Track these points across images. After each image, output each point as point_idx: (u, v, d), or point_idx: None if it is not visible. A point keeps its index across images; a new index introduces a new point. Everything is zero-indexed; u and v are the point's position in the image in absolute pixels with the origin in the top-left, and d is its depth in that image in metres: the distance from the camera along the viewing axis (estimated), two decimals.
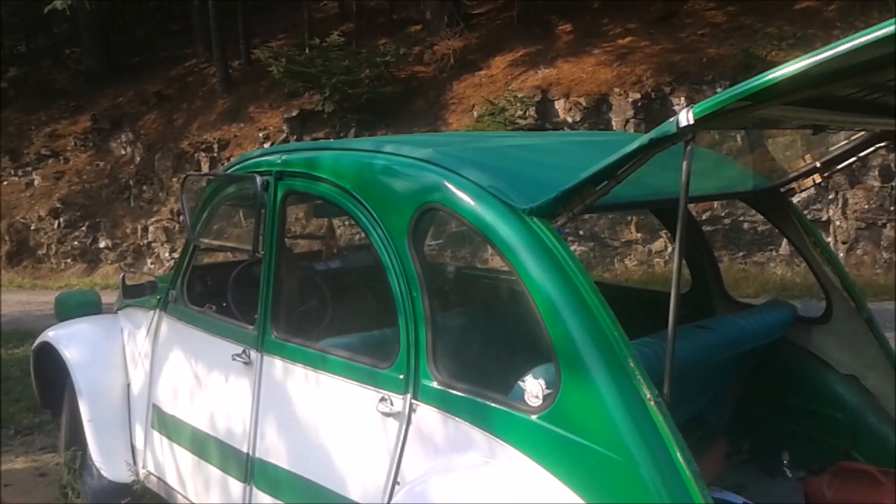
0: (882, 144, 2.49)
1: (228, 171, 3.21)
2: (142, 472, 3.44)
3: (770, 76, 1.55)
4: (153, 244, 13.13)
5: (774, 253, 9.69)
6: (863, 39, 1.38)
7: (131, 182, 13.80)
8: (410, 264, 2.31)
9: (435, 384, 2.23)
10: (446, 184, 2.27)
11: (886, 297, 8.60)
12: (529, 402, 2.01)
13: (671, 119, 1.76)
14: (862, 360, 2.64)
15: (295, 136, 12.34)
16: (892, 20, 1.34)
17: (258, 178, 2.82)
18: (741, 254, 9.85)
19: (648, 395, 1.84)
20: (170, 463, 3.23)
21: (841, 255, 9.35)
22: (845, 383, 2.68)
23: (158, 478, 3.34)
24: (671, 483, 1.78)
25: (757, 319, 2.63)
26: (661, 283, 8.45)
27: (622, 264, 9.89)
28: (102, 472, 3.50)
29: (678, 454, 1.79)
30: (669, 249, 9.78)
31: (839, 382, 2.69)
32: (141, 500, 3.39)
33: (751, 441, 2.88)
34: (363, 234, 2.58)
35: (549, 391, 1.98)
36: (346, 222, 6.71)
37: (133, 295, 3.75)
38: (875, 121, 2.23)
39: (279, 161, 2.84)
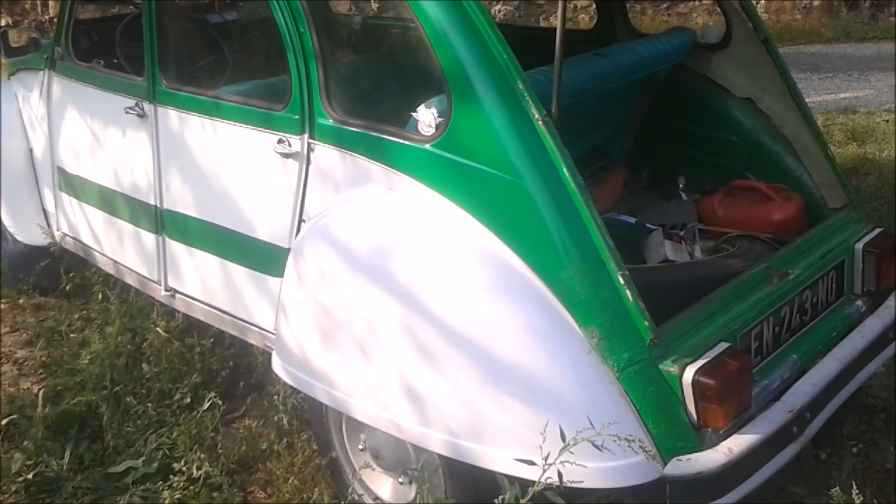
0: None
1: None
2: (57, 234, 3.42)
3: None
4: None
5: (698, 3, 9.57)
6: None
7: None
8: None
9: (330, 122, 2.22)
10: None
11: (803, 42, 8.70)
12: (423, 132, 2.01)
13: None
14: (759, 83, 2.67)
15: None
16: None
17: None
18: (665, 5, 9.71)
19: (536, 115, 1.86)
20: (82, 223, 3.21)
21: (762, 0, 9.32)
22: (742, 106, 2.72)
23: (74, 238, 3.33)
24: (558, 197, 1.84)
25: (655, 45, 2.62)
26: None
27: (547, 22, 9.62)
28: (17, 236, 3.48)
29: (564, 169, 1.84)
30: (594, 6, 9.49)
31: (736, 106, 2.73)
32: (60, 261, 3.39)
33: (650, 169, 2.98)
34: None
35: (441, 119, 1.98)
36: None
37: (17, 54, 3.52)
38: None
39: None
